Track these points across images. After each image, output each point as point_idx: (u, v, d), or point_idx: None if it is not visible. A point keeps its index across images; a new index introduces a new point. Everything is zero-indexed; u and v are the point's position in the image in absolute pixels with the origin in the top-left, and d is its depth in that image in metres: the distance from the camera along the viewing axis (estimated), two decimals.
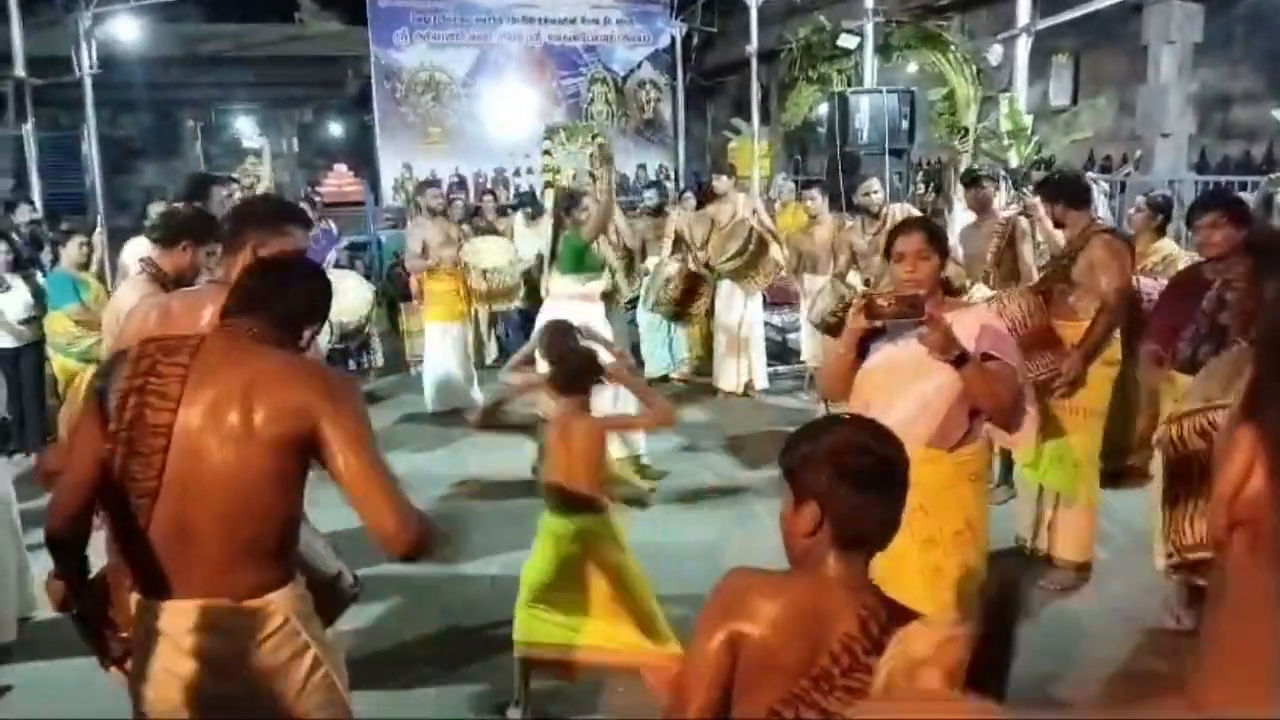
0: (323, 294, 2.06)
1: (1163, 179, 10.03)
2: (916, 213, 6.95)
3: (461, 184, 13.95)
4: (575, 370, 3.27)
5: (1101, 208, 7.71)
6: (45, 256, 7.49)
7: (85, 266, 6.60)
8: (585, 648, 3.18)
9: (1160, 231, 5.43)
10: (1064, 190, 4.45)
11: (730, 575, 1.63)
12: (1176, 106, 11.00)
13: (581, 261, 5.74)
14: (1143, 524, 4.13)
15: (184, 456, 1.74)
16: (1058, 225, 4.55)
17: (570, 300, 5.58)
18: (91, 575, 2.02)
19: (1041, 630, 3.98)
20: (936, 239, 2.84)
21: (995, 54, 9.39)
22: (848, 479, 1.56)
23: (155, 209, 7.54)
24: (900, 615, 1.55)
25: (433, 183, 8.55)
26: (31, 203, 9.28)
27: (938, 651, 1.32)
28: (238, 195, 4.92)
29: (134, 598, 1.86)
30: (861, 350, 2.85)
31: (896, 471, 1.60)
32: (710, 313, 7.80)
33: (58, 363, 6.36)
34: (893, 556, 2.77)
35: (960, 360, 2.62)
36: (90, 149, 11.86)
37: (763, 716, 1.52)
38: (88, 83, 11.54)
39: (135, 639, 1.85)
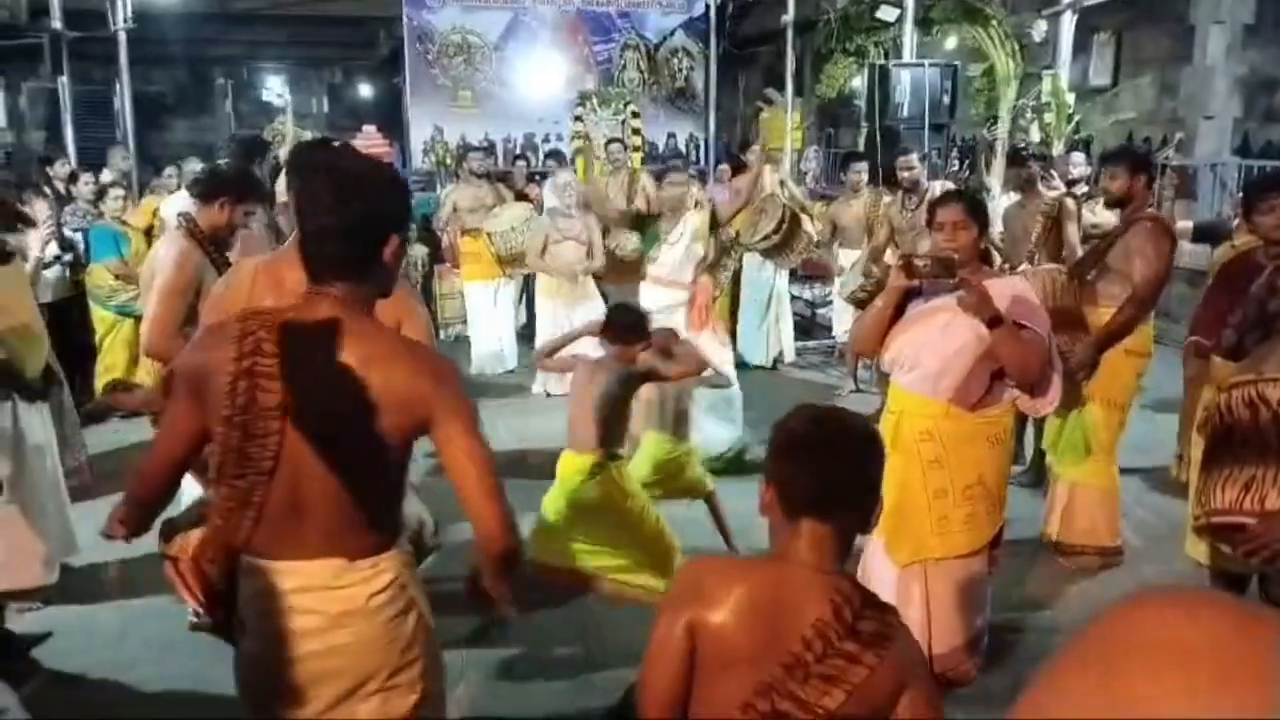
0: (394, 203, 1.85)
1: (1205, 162, 9.87)
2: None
3: (491, 148, 13.86)
4: (629, 324, 3.57)
5: None
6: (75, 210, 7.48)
7: (123, 221, 6.65)
8: (594, 569, 3.49)
9: None
10: (1141, 164, 4.28)
11: (691, 562, 1.68)
12: (1222, 88, 10.79)
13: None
14: (1181, 512, 4.10)
15: (298, 436, 1.74)
16: (1127, 196, 4.19)
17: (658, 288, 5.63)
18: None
19: (1069, 614, 3.98)
20: (975, 210, 2.94)
21: (1039, 29, 9.24)
22: (781, 448, 1.63)
23: (171, 169, 7.56)
24: (875, 604, 1.54)
25: (478, 147, 8.53)
26: (66, 156, 9.33)
27: None
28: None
29: (243, 560, 1.85)
30: (899, 310, 2.97)
31: (833, 438, 1.60)
32: (736, 284, 7.76)
33: (96, 314, 6.44)
34: (903, 501, 2.88)
35: (994, 322, 2.70)
36: (123, 104, 11.89)
37: (733, 709, 1.49)
38: (122, 38, 11.56)
39: (243, 599, 1.86)
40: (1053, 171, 6.59)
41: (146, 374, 4.17)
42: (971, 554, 2.97)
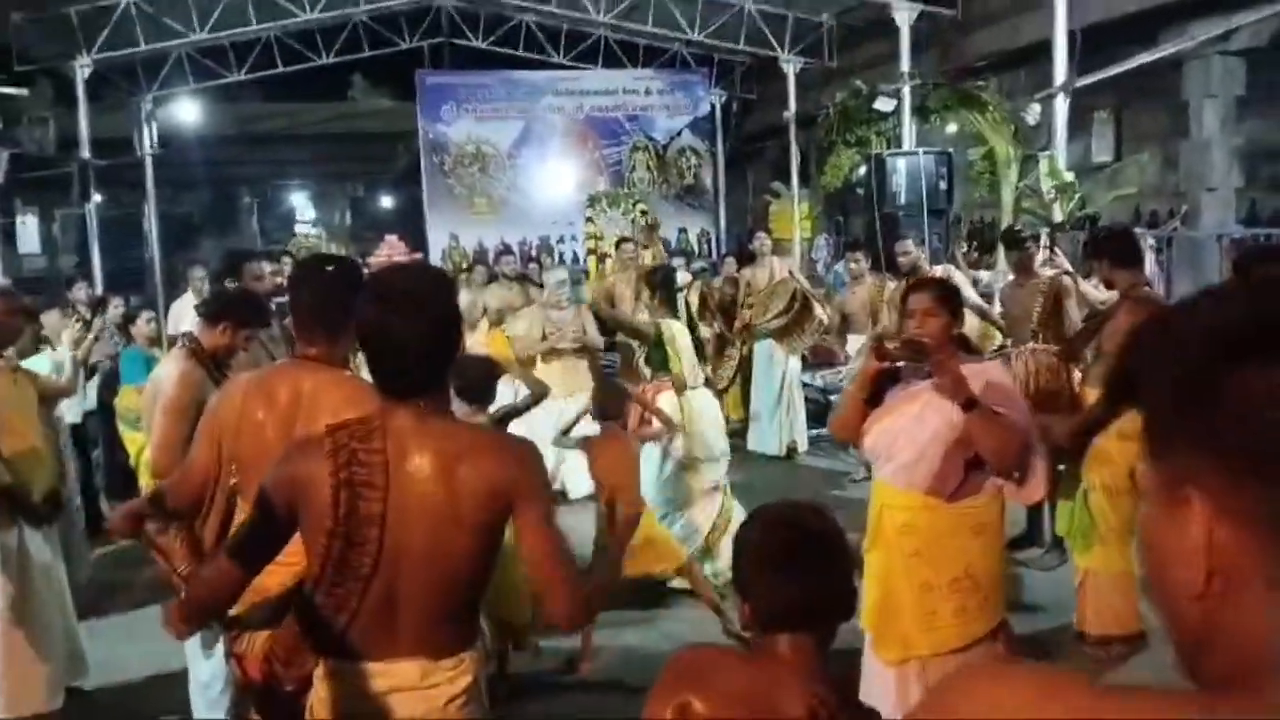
0: (458, 317, 1.99)
1: (1210, 233, 9.89)
2: (957, 273, 6.93)
3: (507, 251, 14.19)
4: (612, 398, 4.38)
5: (1149, 264, 7.61)
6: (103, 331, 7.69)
7: (156, 342, 6.79)
8: None
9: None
10: (1109, 248, 4.30)
11: (687, 649, 1.67)
12: (1222, 160, 10.87)
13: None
14: None
15: (396, 540, 1.79)
16: (1107, 285, 4.40)
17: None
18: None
19: None
20: (946, 298, 2.91)
21: (1033, 113, 9.40)
22: (750, 564, 1.61)
23: (196, 273, 7.77)
24: (856, 710, 1.56)
25: (504, 250, 8.79)
26: (88, 280, 9.62)
27: None
28: (271, 269, 5.09)
29: (319, 665, 1.89)
30: (878, 398, 2.91)
31: (812, 545, 1.59)
32: (747, 375, 7.79)
33: (127, 436, 6.53)
34: (888, 597, 2.80)
35: (969, 405, 2.65)
36: (150, 226, 12.30)
37: None
38: (148, 163, 12.05)
39: (326, 702, 1.88)
40: (1058, 250, 6.63)
41: None
42: (966, 648, 2.86)
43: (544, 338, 6.83)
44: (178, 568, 2.74)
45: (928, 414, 2.75)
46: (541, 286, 8.46)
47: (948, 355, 2.77)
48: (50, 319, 6.15)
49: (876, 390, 2.91)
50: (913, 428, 2.79)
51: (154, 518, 2.68)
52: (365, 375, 3.38)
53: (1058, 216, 8.65)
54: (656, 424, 4.80)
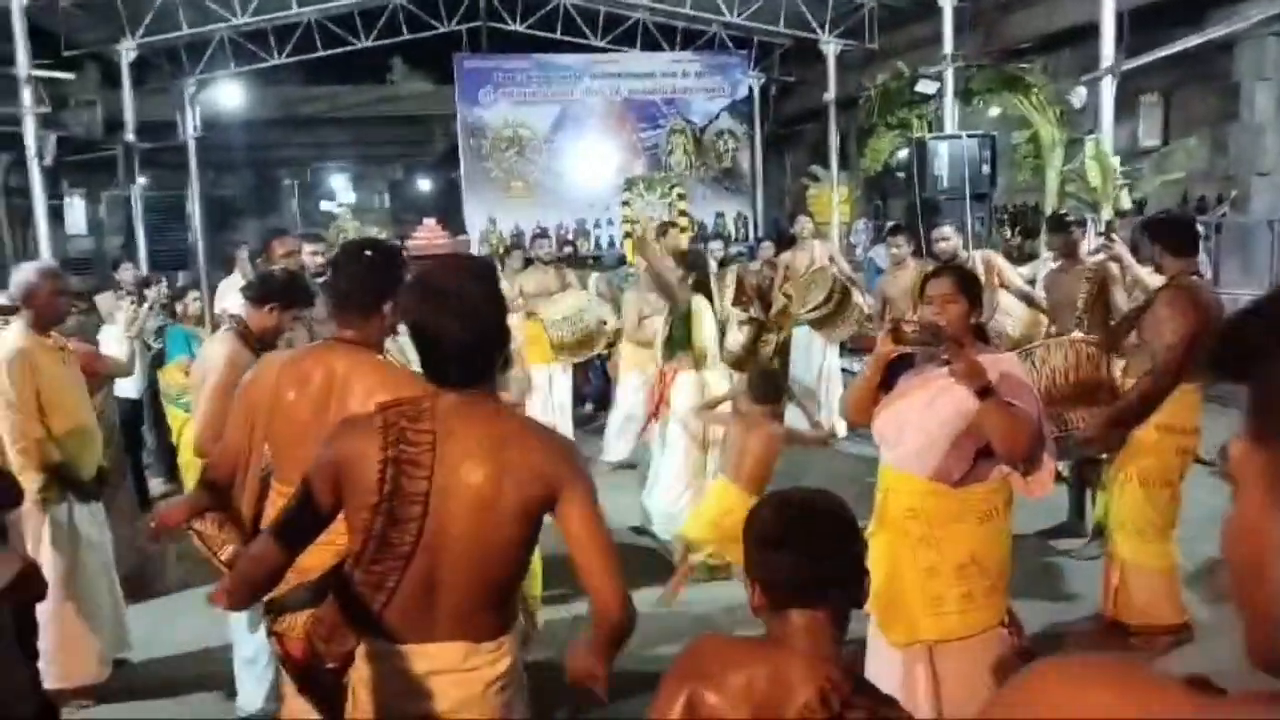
0: (504, 313, 1.99)
1: (1260, 219, 9.68)
2: (999, 259, 6.83)
3: (543, 234, 14.24)
4: (774, 385, 4.54)
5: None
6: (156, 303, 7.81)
7: (200, 322, 6.90)
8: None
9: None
10: (1164, 233, 4.16)
11: (697, 640, 1.66)
12: (1274, 145, 10.62)
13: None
14: None
15: (438, 520, 1.82)
16: (1157, 270, 4.25)
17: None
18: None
19: None
20: (965, 284, 2.88)
21: (1079, 96, 9.23)
22: (757, 542, 1.62)
23: (241, 254, 7.87)
24: (868, 691, 1.53)
25: (540, 234, 8.79)
26: (134, 261, 9.77)
27: None
28: (308, 251, 5.14)
29: (361, 646, 1.93)
30: (891, 382, 2.90)
31: (806, 523, 1.60)
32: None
33: (171, 413, 6.65)
34: (893, 581, 2.79)
35: (984, 393, 2.62)
36: (194, 207, 12.46)
37: None
38: (191, 145, 12.21)
39: (368, 682, 1.91)
40: (1115, 235, 6.49)
41: None
42: (974, 636, 2.81)
43: (639, 323, 6.83)
44: (220, 554, 2.78)
45: (940, 400, 2.72)
46: (581, 268, 8.48)
47: (966, 345, 2.75)
48: (104, 300, 6.26)
49: (890, 374, 2.90)
50: (924, 413, 2.77)
51: (203, 510, 2.72)
52: (400, 356, 3.42)
53: (1106, 203, 8.48)
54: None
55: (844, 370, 8.20)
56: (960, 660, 2.81)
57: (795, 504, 1.64)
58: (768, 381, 4.60)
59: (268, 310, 3.69)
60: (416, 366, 2.07)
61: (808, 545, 1.58)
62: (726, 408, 4.88)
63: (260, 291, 3.81)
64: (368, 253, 2.61)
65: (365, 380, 2.40)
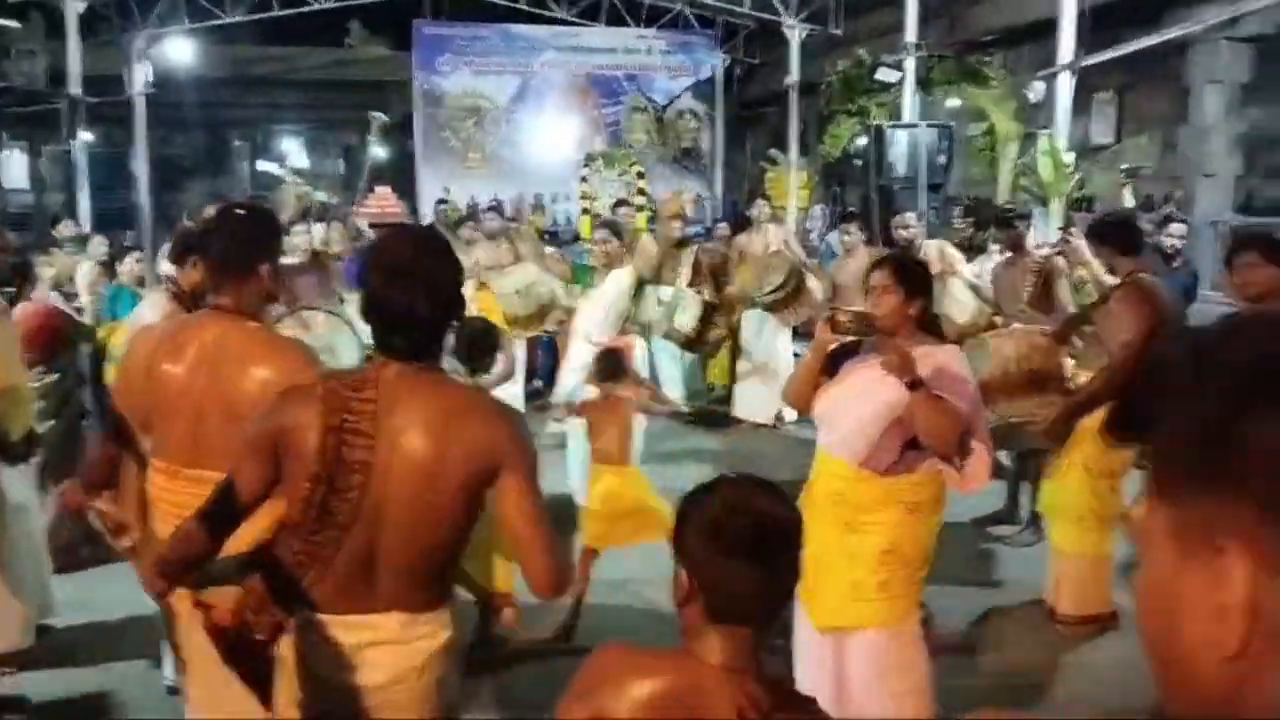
0: (460, 286, 1.98)
1: (1205, 219, 9.88)
2: (951, 249, 6.89)
3: (499, 207, 14.11)
4: (610, 362, 4.41)
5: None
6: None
7: (141, 283, 6.73)
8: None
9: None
10: (1110, 234, 4.26)
11: (598, 652, 1.52)
12: (1221, 147, 10.83)
13: None
14: None
15: (380, 490, 1.80)
16: (1110, 271, 4.33)
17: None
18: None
19: (1064, 681, 3.90)
20: (904, 276, 2.88)
21: (1036, 91, 9.34)
22: (717, 543, 1.42)
23: (188, 225, 7.70)
24: (788, 700, 1.46)
25: (490, 207, 8.70)
26: (75, 218, 9.51)
27: None
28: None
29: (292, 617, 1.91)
30: (836, 369, 2.94)
31: (777, 537, 1.44)
32: (735, 342, 7.75)
33: (111, 370, 6.49)
34: (815, 562, 2.79)
35: (914, 385, 2.65)
36: (141, 166, 12.15)
37: None
38: (139, 102, 11.87)
39: (303, 652, 1.89)
40: (1074, 230, 6.56)
41: None
42: (888, 628, 2.83)
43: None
44: (121, 542, 2.65)
45: (873, 389, 2.75)
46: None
47: (905, 336, 2.77)
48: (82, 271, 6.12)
49: (836, 362, 2.93)
50: (857, 400, 2.81)
51: (103, 487, 2.62)
52: (347, 323, 3.33)
53: (1057, 198, 8.61)
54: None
55: (795, 355, 8.25)
56: (868, 654, 2.82)
57: (757, 510, 1.45)
58: (601, 361, 4.49)
59: (192, 265, 3.62)
60: (364, 333, 2.02)
61: (767, 567, 1.43)
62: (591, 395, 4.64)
63: (178, 249, 3.74)
64: (240, 213, 2.55)
65: (237, 346, 2.36)
